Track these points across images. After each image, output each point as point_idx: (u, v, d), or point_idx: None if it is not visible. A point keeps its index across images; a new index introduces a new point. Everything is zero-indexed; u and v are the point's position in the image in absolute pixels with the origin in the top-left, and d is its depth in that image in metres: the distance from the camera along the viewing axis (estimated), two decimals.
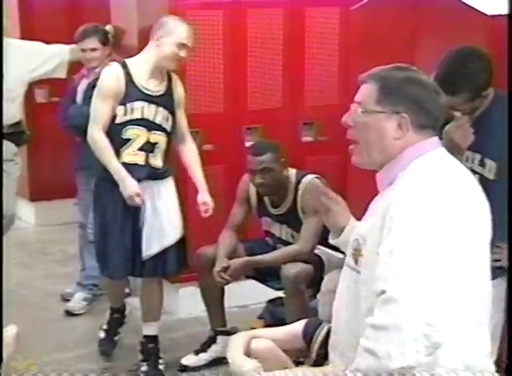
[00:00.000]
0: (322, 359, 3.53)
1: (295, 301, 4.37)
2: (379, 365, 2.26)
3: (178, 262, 4.70)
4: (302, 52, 5.48)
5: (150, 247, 4.58)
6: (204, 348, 4.76)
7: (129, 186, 4.43)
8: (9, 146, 5.75)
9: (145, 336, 4.78)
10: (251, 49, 5.36)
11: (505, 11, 3.46)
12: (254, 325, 4.95)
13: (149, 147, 4.55)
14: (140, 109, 4.51)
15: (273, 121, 5.36)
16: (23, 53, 5.77)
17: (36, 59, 5.79)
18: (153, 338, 4.78)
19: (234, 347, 3.57)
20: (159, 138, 4.58)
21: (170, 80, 4.65)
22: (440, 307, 2.28)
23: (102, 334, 4.99)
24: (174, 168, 4.77)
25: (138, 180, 4.48)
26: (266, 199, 4.69)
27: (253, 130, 5.36)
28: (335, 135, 5.35)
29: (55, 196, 6.84)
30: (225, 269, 4.52)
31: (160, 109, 4.57)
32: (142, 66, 4.57)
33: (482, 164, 3.48)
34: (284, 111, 5.49)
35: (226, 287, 4.68)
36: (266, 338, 3.63)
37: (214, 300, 4.74)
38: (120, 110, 4.51)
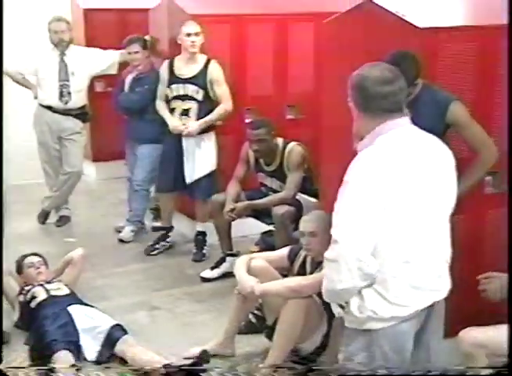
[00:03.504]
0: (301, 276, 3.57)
1: (282, 233, 4.38)
2: (328, 286, 2.28)
3: (207, 190, 4.95)
4: (286, 54, 5.42)
5: (191, 175, 4.99)
6: (217, 265, 4.78)
7: (172, 122, 4.96)
8: (77, 123, 5.75)
9: (197, 231, 5.14)
10: (250, 53, 5.30)
11: (433, 24, 3.44)
12: (252, 249, 4.96)
13: (184, 112, 4.94)
14: (176, 89, 4.94)
15: (266, 104, 5.29)
16: (87, 57, 5.74)
17: (96, 61, 5.75)
18: (201, 232, 5.12)
19: (239, 266, 3.61)
20: (190, 105, 4.92)
21: (207, 64, 4.95)
22: (383, 243, 2.23)
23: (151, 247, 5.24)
24: None
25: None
26: (261, 160, 4.69)
27: (251, 110, 5.30)
28: (310, 114, 5.34)
29: (110, 158, 6.81)
30: (232, 210, 4.53)
31: (191, 86, 4.91)
32: (181, 58, 4.99)
33: None
34: (274, 97, 5.43)
35: (232, 223, 4.69)
36: (261, 259, 3.66)
37: (224, 232, 4.74)
38: (167, 90, 5.00)
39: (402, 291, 2.31)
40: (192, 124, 4.90)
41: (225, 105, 4.94)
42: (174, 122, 4.96)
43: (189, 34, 4.89)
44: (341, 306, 2.36)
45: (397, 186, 2.24)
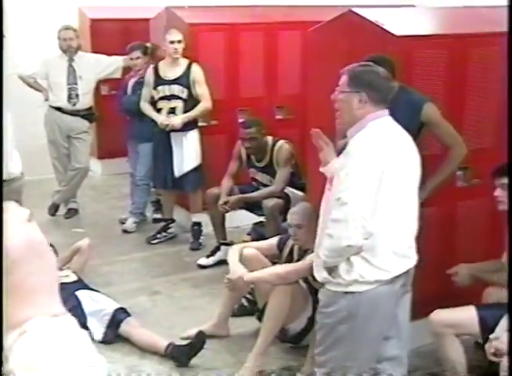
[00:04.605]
0: (289, 263, 3.57)
1: (272, 224, 4.38)
2: (333, 244, 2.37)
3: (195, 182, 4.98)
4: (275, 59, 5.41)
5: (180, 169, 4.93)
6: (212, 253, 4.78)
7: (159, 119, 4.89)
8: (84, 123, 5.73)
9: (193, 222, 5.09)
10: (242, 58, 5.28)
11: (409, 33, 3.44)
12: (244, 239, 4.97)
13: (170, 111, 4.90)
14: (162, 90, 4.92)
15: (257, 105, 5.29)
16: (93, 62, 5.72)
17: (101, 66, 5.73)
18: (197, 223, 5.08)
19: (232, 255, 3.61)
20: (176, 104, 4.91)
21: (189, 67, 4.92)
22: (376, 211, 2.37)
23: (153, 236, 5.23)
24: None
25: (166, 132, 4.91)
26: (252, 156, 4.68)
27: (244, 111, 5.29)
28: (298, 114, 5.32)
29: (115, 155, 6.76)
30: (226, 203, 4.53)
31: (176, 86, 4.89)
32: (165, 62, 4.98)
33: None
34: (264, 98, 5.42)
35: (226, 214, 4.69)
36: (253, 248, 3.66)
37: (218, 223, 4.75)
38: (154, 92, 4.93)
39: (386, 257, 2.46)
40: (175, 118, 4.89)
41: (205, 103, 4.93)
42: (161, 117, 4.94)
43: (172, 42, 4.90)
44: (329, 272, 2.45)
45: (387, 162, 2.41)
